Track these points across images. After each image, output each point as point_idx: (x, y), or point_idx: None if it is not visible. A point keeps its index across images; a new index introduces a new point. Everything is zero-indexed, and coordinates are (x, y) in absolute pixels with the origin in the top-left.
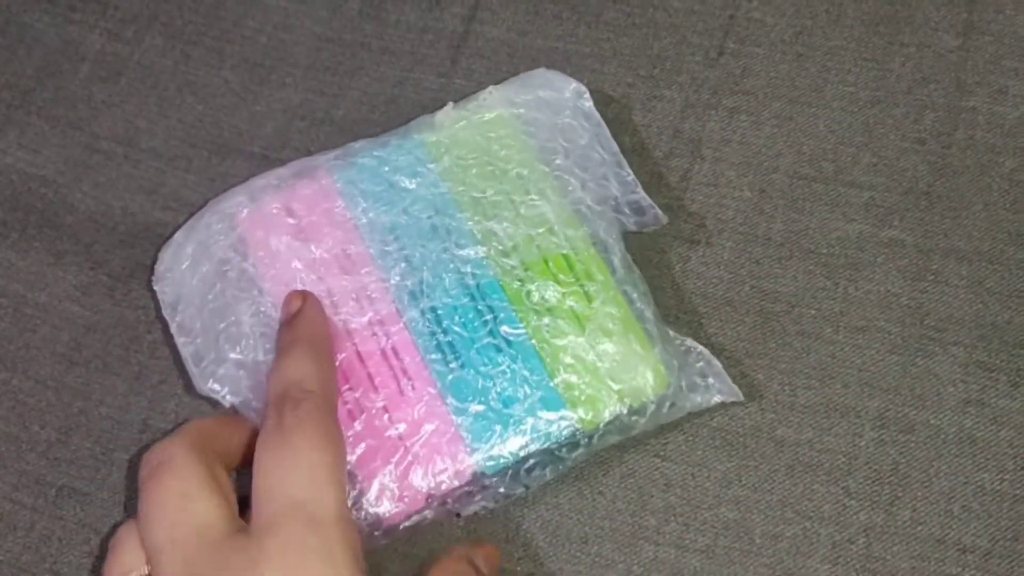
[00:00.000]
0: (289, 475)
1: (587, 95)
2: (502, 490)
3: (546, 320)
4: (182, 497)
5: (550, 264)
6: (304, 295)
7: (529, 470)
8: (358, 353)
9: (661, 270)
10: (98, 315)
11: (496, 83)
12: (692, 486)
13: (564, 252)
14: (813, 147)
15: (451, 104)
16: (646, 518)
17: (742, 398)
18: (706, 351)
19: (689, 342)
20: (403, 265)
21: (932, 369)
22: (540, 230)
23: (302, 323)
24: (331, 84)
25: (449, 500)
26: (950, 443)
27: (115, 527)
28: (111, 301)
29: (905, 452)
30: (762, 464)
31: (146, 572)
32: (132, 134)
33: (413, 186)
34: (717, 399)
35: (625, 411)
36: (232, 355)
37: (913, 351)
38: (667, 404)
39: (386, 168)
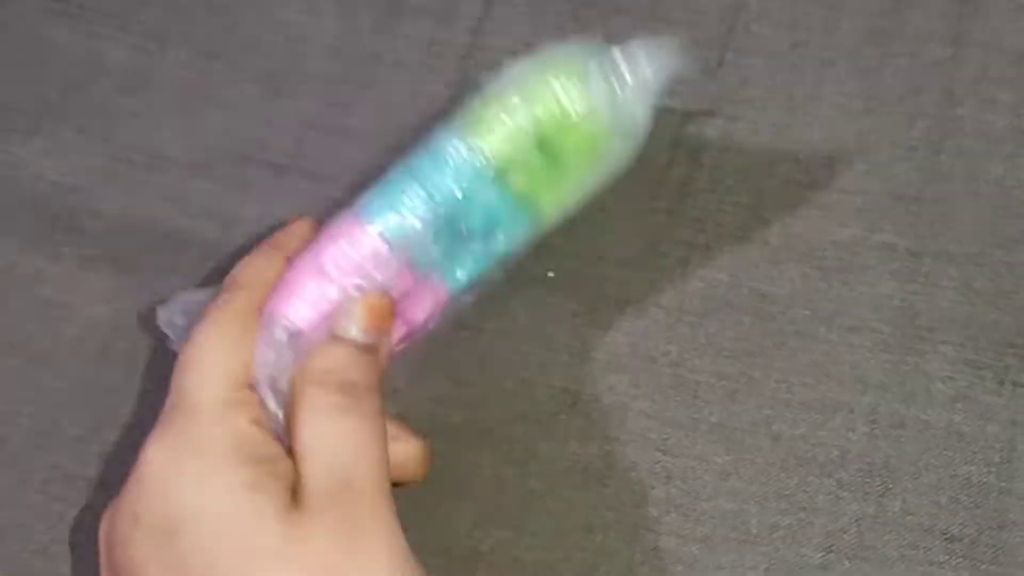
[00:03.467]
0: (345, 453)
1: None
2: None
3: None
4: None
5: None
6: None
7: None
8: None
9: (662, 273)
10: (125, 317)
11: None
12: (692, 479)
13: None
14: (808, 154)
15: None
16: (648, 509)
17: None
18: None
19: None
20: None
21: (922, 367)
22: None
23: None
24: (345, 95)
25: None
26: (939, 437)
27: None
28: (137, 303)
29: (896, 446)
30: (759, 458)
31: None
32: (155, 144)
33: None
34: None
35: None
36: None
37: (904, 350)
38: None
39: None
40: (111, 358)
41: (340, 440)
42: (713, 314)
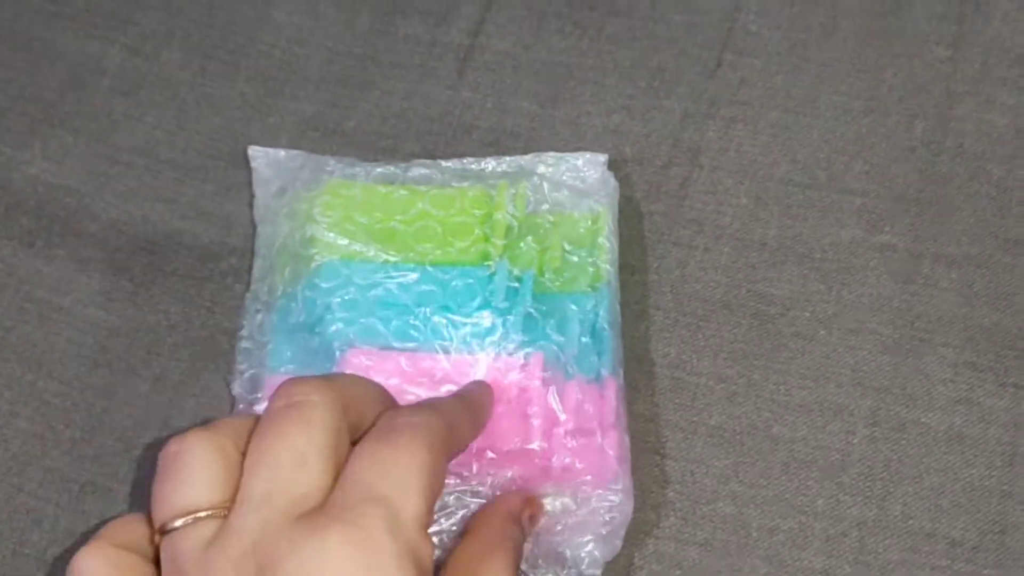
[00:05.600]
0: (382, 471)
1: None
2: None
3: None
4: (301, 457)
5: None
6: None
7: None
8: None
9: (660, 275)
10: (121, 319)
11: (501, 94)
12: (691, 482)
13: None
14: (807, 155)
15: None
16: (646, 513)
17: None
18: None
19: None
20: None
21: (923, 369)
22: None
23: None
24: (343, 97)
25: None
26: (940, 440)
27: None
28: (133, 306)
29: (897, 449)
30: (758, 461)
31: (219, 513)
32: (152, 146)
33: None
34: None
35: None
36: None
37: (904, 352)
38: None
39: None
40: (106, 360)
41: None
42: (712, 316)
